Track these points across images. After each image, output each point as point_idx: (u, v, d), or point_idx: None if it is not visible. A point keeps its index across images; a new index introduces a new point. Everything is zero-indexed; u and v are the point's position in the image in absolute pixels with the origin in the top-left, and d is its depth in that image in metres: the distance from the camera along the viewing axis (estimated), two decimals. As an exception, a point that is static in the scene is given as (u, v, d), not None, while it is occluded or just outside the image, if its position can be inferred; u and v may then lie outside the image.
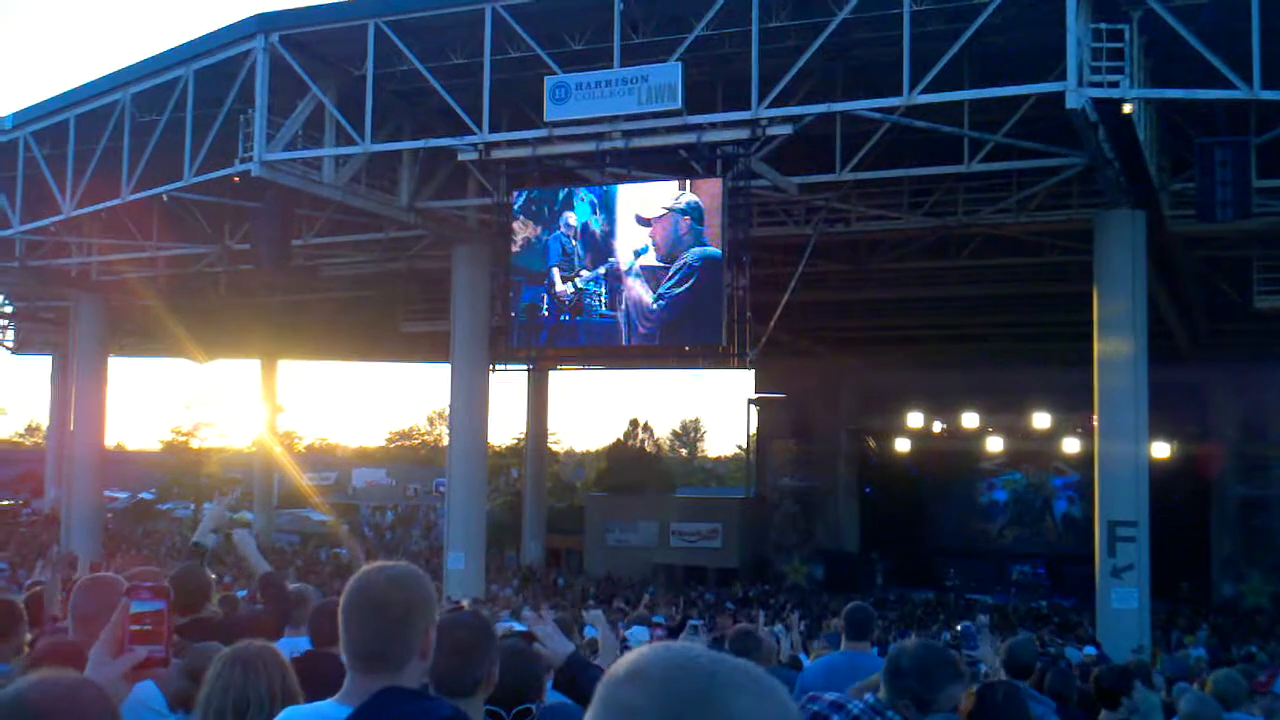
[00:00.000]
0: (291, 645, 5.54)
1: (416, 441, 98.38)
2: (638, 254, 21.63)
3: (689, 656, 1.41)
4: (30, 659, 4.02)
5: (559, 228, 22.20)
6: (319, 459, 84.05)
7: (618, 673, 1.41)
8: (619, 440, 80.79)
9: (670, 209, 21.23)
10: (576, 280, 22.05)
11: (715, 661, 1.41)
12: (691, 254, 21.01)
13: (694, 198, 21.10)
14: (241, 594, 10.45)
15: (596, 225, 22.00)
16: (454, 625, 3.07)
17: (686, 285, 21.09)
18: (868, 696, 4.05)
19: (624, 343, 22.18)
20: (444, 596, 23.63)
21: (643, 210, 21.55)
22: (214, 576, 6.54)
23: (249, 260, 26.98)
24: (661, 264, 21.35)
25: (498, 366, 25.36)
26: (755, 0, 19.39)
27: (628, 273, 21.70)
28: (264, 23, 22.43)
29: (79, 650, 3.91)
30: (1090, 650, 19.42)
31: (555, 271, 22.22)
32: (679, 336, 21.96)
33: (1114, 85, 17.87)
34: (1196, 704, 5.61)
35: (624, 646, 6.43)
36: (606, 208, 22.01)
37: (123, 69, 25.62)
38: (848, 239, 27.97)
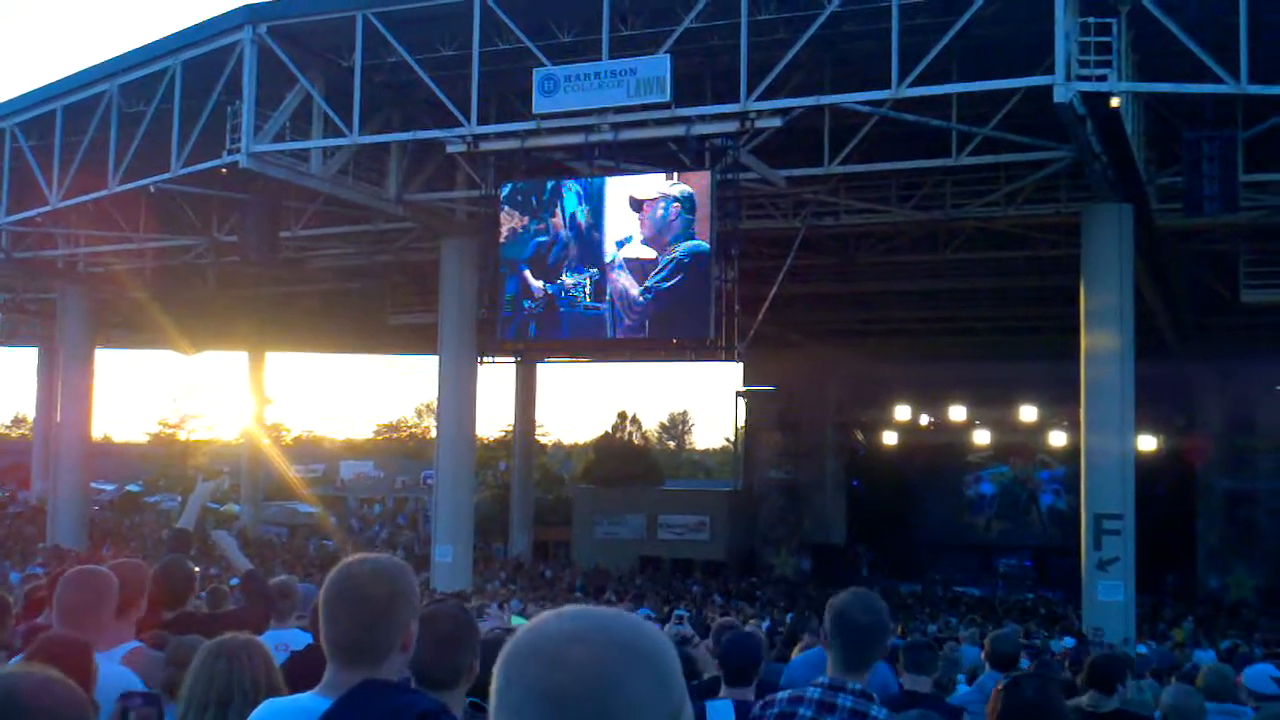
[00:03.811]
0: (276, 638, 5.53)
1: (404, 434, 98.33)
2: (620, 245, 21.61)
3: (607, 613, 1.49)
4: (30, 653, 3.99)
5: (548, 228, 22.16)
6: (306, 451, 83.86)
7: (551, 635, 1.44)
8: (607, 432, 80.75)
9: (663, 194, 21.21)
10: (563, 277, 22.01)
11: (622, 614, 1.49)
12: (682, 248, 20.98)
13: (687, 188, 21.08)
14: (235, 581, 10.41)
15: (583, 217, 21.98)
16: (436, 617, 3.08)
17: (676, 280, 21.07)
18: (853, 685, 3.99)
19: (610, 335, 22.18)
20: (430, 589, 23.63)
21: (637, 192, 21.51)
22: (198, 570, 6.53)
23: (237, 252, 26.92)
24: (647, 249, 21.31)
25: (486, 359, 25.31)
26: (744, -7, 19.39)
27: (611, 265, 21.69)
28: (252, 14, 22.36)
29: (79, 644, 3.88)
30: (1069, 642, 19.49)
31: (527, 272, 22.21)
32: (667, 329, 21.96)
33: (1102, 79, 17.88)
34: (1179, 696, 5.64)
35: None
36: (593, 200, 21.99)
37: (110, 60, 25.52)
38: (836, 232, 27.97)
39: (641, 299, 21.42)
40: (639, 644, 1.44)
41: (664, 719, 1.41)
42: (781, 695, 4.03)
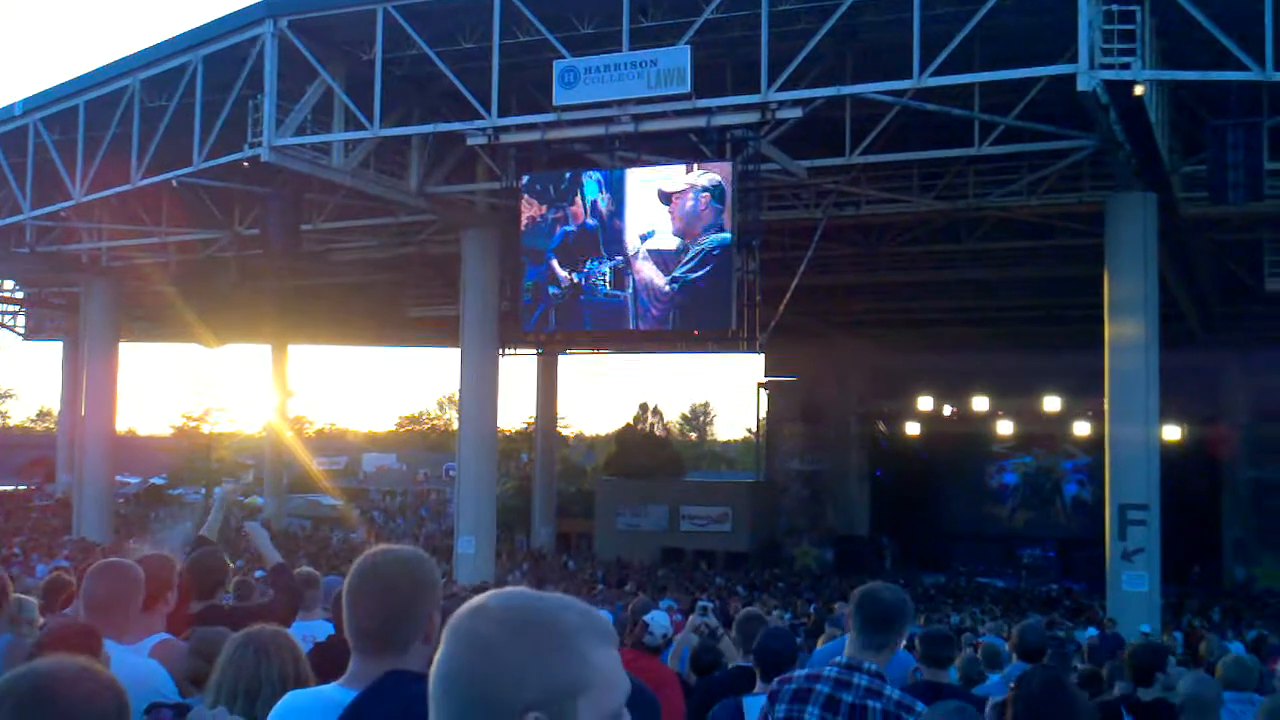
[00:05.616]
0: (302, 630, 5.55)
1: (426, 426, 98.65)
2: (644, 238, 21.58)
3: (522, 592, 1.56)
4: (41, 640, 4.03)
5: (567, 218, 22.15)
6: (329, 444, 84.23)
7: (462, 611, 1.53)
8: (629, 424, 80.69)
9: (692, 185, 21.17)
10: (583, 267, 22.01)
11: (543, 596, 1.57)
12: (710, 240, 20.94)
13: (716, 176, 21.02)
14: (260, 574, 10.47)
15: (604, 205, 21.96)
16: (444, 611, 3.08)
17: (703, 270, 21.02)
18: (869, 665, 3.99)
19: (633, 325, 22.16)
20: (452, 580, 23.70)
21: (665, 185, 21.48)
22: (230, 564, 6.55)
23: (259, 245, 27.03)
24: (677, 240, 21.26)
25: (507, 351, 25.37)
26: (764, -17, 19.32)
27: (635, 256, 21.66)
28: (273, 8, 22.41)
29: (91, 632, 3.92)
30: (1092, 632, 19.38)
31: (555, 261, 22.21)
32: (692, 320, 21.94)
33: (1125, 67, 17.77)
34: (1197, 684, 5.60)
35: (646, 631, 6.53)
36: (614, 188, 21.96)
37: (132, 55, 25.64)
38: (857, 222, 27.90)
39: (668, 289, 21.39)
40: (529, 620, 1.50)
41: (543, 692, 1.45)
42: (799, 673, 4.07)
